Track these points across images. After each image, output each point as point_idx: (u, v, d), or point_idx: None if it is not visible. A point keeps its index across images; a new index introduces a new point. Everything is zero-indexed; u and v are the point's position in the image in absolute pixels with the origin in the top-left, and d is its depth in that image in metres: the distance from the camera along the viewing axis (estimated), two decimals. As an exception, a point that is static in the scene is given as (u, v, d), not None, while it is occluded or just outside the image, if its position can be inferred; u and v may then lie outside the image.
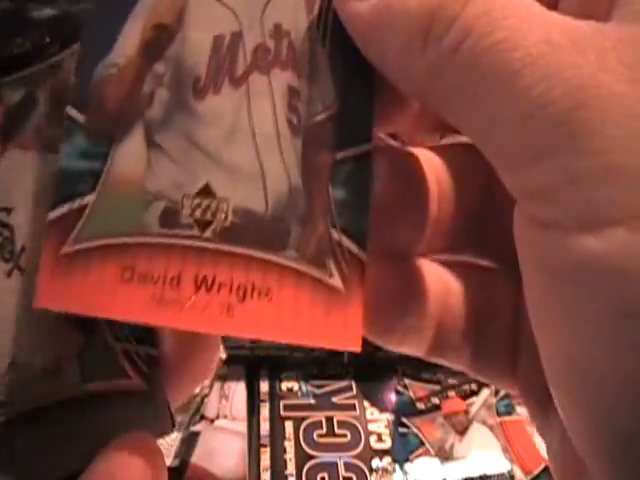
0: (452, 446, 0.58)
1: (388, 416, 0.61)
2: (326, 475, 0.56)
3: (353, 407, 0.62)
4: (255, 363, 0.65)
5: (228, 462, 0.56)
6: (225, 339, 0.59)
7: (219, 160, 0.19)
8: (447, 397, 0.62)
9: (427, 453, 0.58)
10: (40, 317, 0.18)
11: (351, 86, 0.19)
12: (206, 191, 0.19)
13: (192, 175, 0.19)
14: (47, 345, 0.19)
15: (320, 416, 0.61)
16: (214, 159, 0.19)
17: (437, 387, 0.63)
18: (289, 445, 0.58)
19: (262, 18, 0.20)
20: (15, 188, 0.19)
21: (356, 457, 0.58)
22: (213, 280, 0.18)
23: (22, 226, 0.19)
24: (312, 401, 0.63)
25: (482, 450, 0.58)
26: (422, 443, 0.58)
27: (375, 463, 0.57)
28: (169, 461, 0.50)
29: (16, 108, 0.19)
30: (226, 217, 0.19)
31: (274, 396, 0.63)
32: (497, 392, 0.62)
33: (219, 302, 0.18)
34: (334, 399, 0.63)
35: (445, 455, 0.58)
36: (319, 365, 0.66)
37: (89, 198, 0.19)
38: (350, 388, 0.64)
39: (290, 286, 0.18)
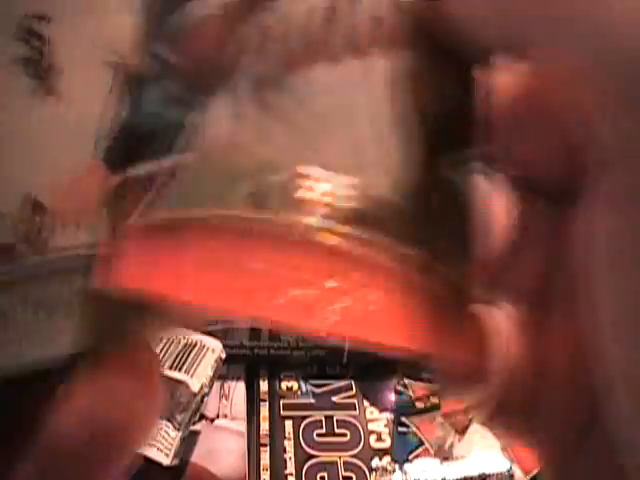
0: (452, 445, 0.58)
1: (388, 415, 0.61)
2: (326, 474, 0.56)
3: (353, 406, 0.62)
4: (255, 362, 0.65)
5: (228, 461, 0.56)
6: (224, 338, 0.59)
7: (332, 134, 0.17)
8: (447, 396, 0.62)
9: (426, 452, 0.58)
10: (65, 151, 0.16)
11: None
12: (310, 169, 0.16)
13: (304, 145, 0.16)
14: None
15: (320, 415, 0.61)
16: (329, 133, 0.17)
17: (437, 386, 0.63)
18: (289, 444, 0.58)
19: None
20: None
21: (356, 456, 0.58)
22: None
23: (58, 42, 0.16)
24: (312, 400, 0.63)
25: (482, 449, 0.58)
26: (422, 442, 0.58)
27: (375, 462, 0.57)
28: (169, 460, 0.50)
29: None
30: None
31: (274, 395, 0.63)
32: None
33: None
34: (334, 398, 0.63)
35: (445, 454, 0.58)
36: (319, 364, 0.66)
37: (186, 156, 0.16)
38: (350, 387, 0.64)
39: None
